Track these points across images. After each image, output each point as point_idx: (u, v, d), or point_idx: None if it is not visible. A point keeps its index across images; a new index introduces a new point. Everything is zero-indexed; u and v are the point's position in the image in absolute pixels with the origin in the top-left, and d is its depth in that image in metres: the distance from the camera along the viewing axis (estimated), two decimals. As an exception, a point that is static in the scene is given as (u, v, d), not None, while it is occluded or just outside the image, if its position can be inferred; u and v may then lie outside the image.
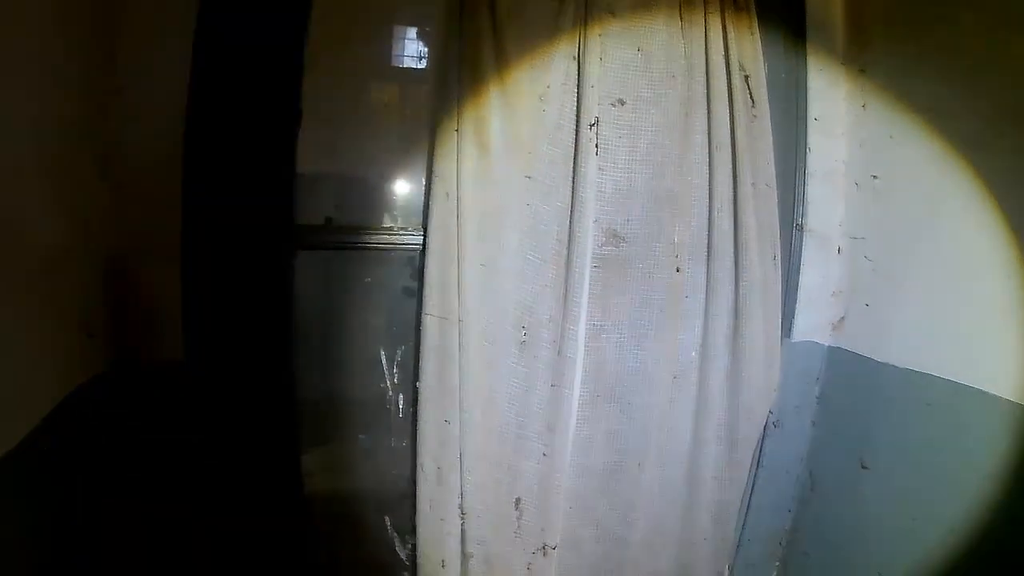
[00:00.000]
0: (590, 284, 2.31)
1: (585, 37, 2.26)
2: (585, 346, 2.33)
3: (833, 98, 2.60)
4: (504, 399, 2.31)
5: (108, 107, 2.05)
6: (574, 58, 2.26)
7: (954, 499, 2.28)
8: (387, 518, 2.45)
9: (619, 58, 2.29)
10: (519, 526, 2.38)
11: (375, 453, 2.43)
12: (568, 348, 2.29)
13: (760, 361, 2.45)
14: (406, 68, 2.41)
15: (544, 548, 2.40)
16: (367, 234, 2.35)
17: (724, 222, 2.37)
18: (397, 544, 2.46)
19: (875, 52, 2.57)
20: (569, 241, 2.27)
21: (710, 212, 2.38)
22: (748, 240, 2.38)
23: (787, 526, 2.80)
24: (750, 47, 2.41)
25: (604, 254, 2.31)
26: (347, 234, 2.33)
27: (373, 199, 2.37)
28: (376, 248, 2.35)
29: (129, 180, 2.11)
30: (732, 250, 2.39)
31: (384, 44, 2.39)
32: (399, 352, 2.37)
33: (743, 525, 2.72)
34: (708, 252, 2.38)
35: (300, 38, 2.24)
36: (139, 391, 2.18)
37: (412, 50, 2.39)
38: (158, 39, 2.11)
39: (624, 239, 2.30)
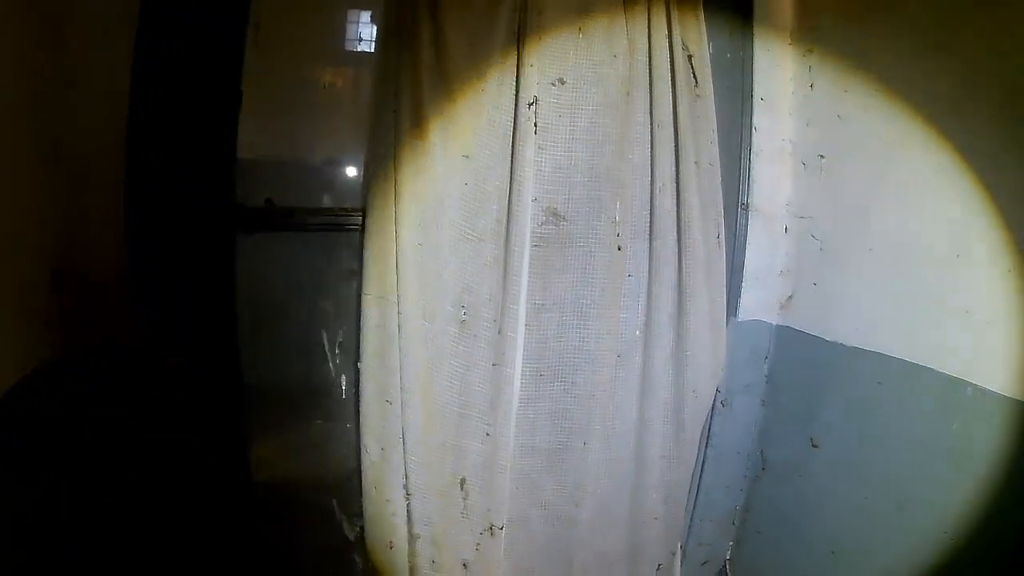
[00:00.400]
0: (530, 263, 2.29)
1: (525, 17, 2.23)
2: (526, 325, 2.32)
3: (780, 78, 2.57)
4: (445, 378, 2.30)
5: (54, 92, 2.02)
6: (513, 36, 2.24)
7: (904, 477, 2.28)
8: (334, 500, 2.43)
9: (560, 38, 2.26)
10: (465, 506, 2.37)
11: (321, 435, 2.42)
12: (508, 327, 2.28)
13: (705, 340, 2.44)
14: (350, 50, 2.40)
15: (491, 528, 2.40)
16: (308, 215, 2.30)
17: (666, 201, 2.35)
18: (346, 526, 2.45)
19: (823, 32, 2.56)
20: (508, 220, 2.25)
21: (652, 191, 2.36)
22: (691, 219, 2.37)
23: (739, 505, 2.79)
24: (694, 27, 2.39)
25: (544, 233, 2.29)
26: (288, 215, 2.29)
27: (314, 180, 2.36)
28: (317, 229, 2.31)
29: (76, 166, 2.09)
30: (675, 229, 2.38)
31: (328, 25, 2.35)
32: (341, 333, 2.34)
33: (694, 504, 2.70)
34: (650, 231, 2.37)
35: (242, 21, 2.19)
36: (87, 379, 2.14)
37: (356, 32, 2.35)
38: (105, 23, 2.09)
39: (564, 218, 2.28)
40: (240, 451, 2.34)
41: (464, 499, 2.36)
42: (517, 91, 2.24)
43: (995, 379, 2.00)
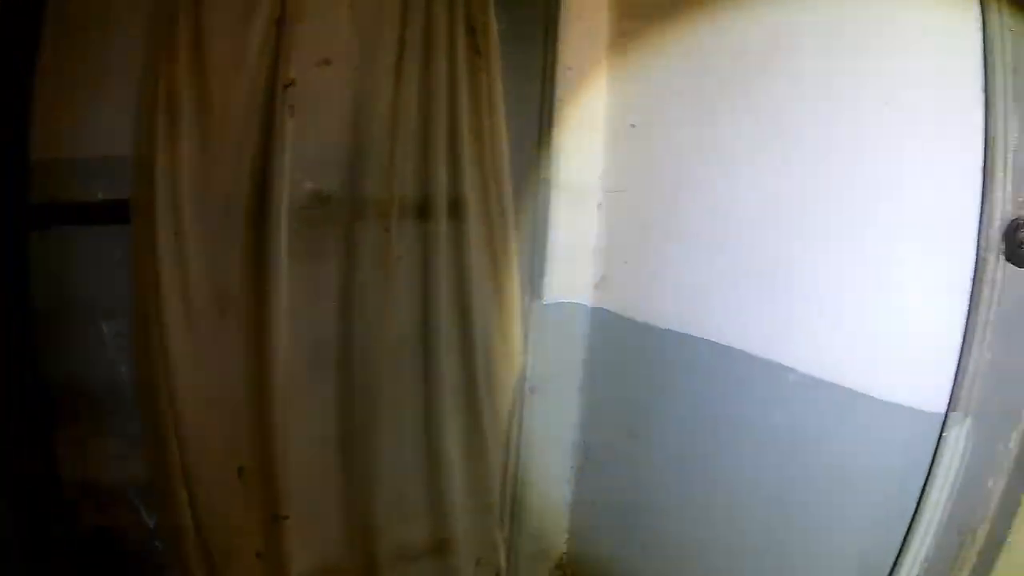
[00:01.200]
0: (293, 248, 2.22)
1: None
2: (294, 312, 2.24)
3: (591, 46, 2.48)
4: (213, 368, 2.27)
5: None
6: (275, 21, 2.16)
7: (727, 466, 2.20)
8: (131, 492, 2.41)
9: (326, 16, 2.21)
10: (246, 496, 2.34)
11: (115, 429, 2.39)
12: (272, 314, 2.22)
13: (494, 324, 2.37)
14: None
15: (276, 518, 2.34)
16: (91, 210, 2.29)
17: (441, 178, 2.28)
18: (144, 516, 2.43)
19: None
20: (268, 205, 2.19)
21: (426, 168, 2.28)
22: (469, 196, 2.30)
23: (569, 496, 2.61)
24: None
25: (306, 217, 2.24)
26: (72, 211, 2.28)
27: (105, 173, 2.32)
28: (107, 222, 2.29)
29: None
30: (449, 206, 2.29)
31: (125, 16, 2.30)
32: (121, 327, 2.31)
33: (513, 496, 2.53)
34: (424, 210, 2.28)
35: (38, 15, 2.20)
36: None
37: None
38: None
39: (328, 201, 2.25)
40: (43, 450, 2.34)
41: (244, 488, 2.33)
42: (277, 74, 2.17)
43: (818, 364, 1.90)
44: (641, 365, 2.41)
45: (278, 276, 2.22)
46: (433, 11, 2.25)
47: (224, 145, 2.19)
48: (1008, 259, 1.50)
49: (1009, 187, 1.45)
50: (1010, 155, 1.44)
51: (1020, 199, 1.45)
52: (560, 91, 2.45)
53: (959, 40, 1.55)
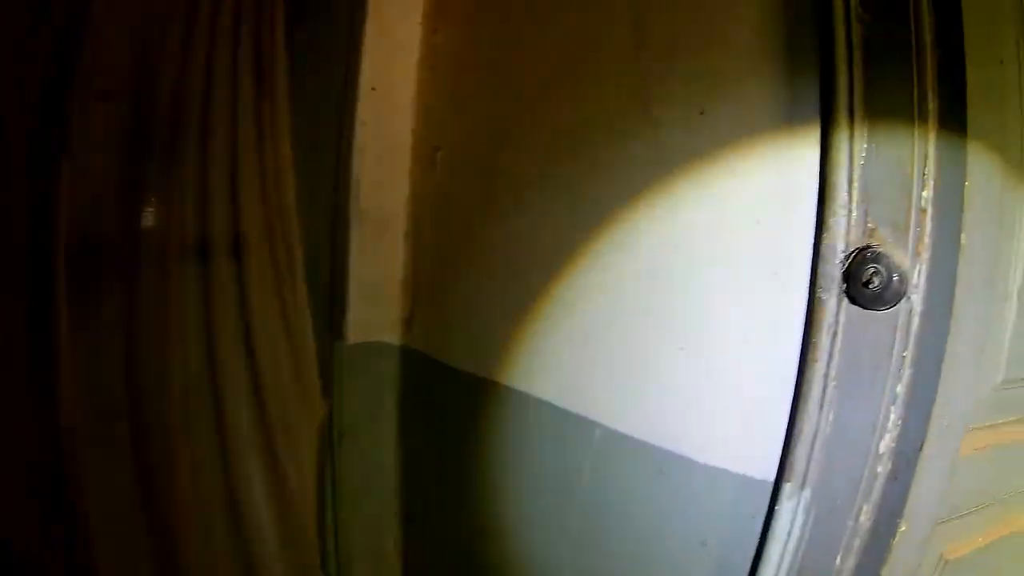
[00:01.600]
0: (68, 294, 1.65)
1: (71, 34, 1.61)
2: (72, 361, 1.67)
3: (400, 63, 1.95)
4: (4, 419, 1.67)
5: None
6: (55, 56, 1.61)
7: (533, 535, 1.67)
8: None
9: (106, 45, 1.65)
10: (54, 547, 1.71)
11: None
12: (48, 364, 1.65)
13: (286, 367, 1.83)
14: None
15: (87, 570, 1.73)
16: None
17: (219, 216, 1.73)
18: None
19: (450, 10, 1.89)
20: (45, 251, 1.63)
21: (204, 204, 1.73)
22: (251, 232, 1.75)
23: (398, 544, 1.99)
24: (267, 18, 1.75)
25: (80, 262, 1.67)
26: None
27: None
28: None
29: None
30: (231, 247, 1.75)
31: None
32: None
33: (338, 547, 1.90)
34: (202, 251, 1.74)
35: None
36: None
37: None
38: None
39: (102, 244, 1.70)
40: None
41: (51, 539, 1.70)
42: (52, 112, 1.61)
43: (624, 420, 1.39)
44: (449, 411, 1.90)
45: (58, 324, 1.64)
46: (216, 34, 1.71)
47: (4, 189, 1.63)
48: (852, 301, 0.94)
49: (855, 210, 0.91)
50: (858, 170, 0.89)
51: (871, 225, 0.89)
52: (362, 113, 1.88)
53: (796, 35, 1.00)
